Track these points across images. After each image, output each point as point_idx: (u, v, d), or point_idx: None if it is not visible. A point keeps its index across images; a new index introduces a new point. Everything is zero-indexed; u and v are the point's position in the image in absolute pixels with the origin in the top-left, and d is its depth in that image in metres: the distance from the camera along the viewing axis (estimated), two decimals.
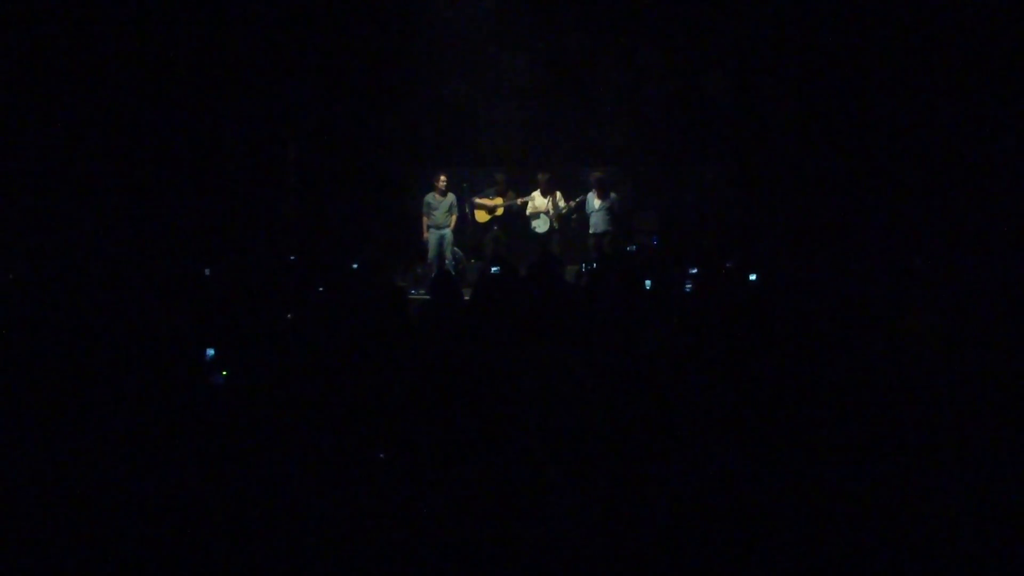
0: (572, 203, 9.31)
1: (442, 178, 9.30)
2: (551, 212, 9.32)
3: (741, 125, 10.22)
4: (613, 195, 9.14)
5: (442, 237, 9.25)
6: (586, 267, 8.32)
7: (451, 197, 9.34)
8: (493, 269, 6.02)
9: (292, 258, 8.84)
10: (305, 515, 2.16)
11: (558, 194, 9.42)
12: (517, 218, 9.71)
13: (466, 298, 4.85)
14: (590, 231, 9.29)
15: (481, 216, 9.60)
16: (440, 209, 9.26)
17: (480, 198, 9.59)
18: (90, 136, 8.34)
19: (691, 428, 2.57)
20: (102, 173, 8.46)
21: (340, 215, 10.62)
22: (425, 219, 9.34)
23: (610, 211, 9.12)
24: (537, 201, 9.40)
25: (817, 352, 3.36)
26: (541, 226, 9.32)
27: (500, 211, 9.50)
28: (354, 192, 10.73)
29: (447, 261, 9.27)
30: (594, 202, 9.20)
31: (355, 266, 7.49)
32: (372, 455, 2.53)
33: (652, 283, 5.15)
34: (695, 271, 6.42)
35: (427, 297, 7.54)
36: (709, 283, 5.32)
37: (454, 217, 9.34)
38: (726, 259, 7.74)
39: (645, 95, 10.47)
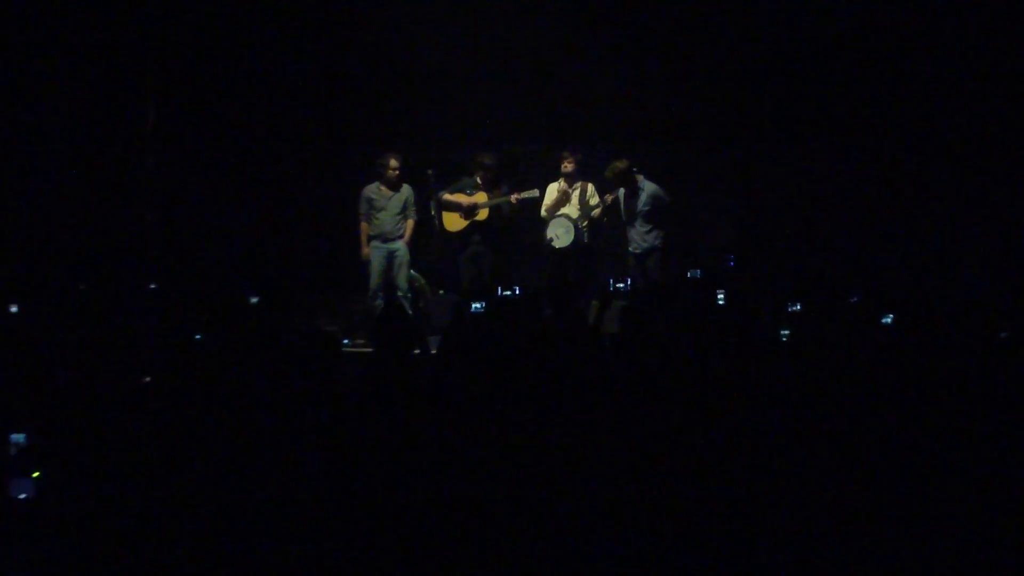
0: (607, 199, 9.37)
1: (392, 162, 9.28)
2: (580, 215, 9.39)
3: (859, 80, 10.27)
4: (651, 190, 9.18)
5: (392, 255, 9.26)
6: (614, 287, 8.34)
7: (406, 192, 9.37)
8: (474, 306, 6.06)
9: (153, 287, 8.83)
10: None
11: (590, 187, 9.46)
12: (513, 225, 9.76)
13: (431, 351, 4.96)
14: (629, 248, 9.36)
15: (454, 222, 9.58)
16: (389, 211, 9.27)
17: (453, 194, 9.60)
18: None
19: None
20: None
21: (229, 219, 10.69)
22: (365, 226, 9.34)
23: (652, 217, 9.20)
24: (557, 196, 9.47)
25: (987, 433, 3.52)
26: (562, 237, 9.34)
27: (484, 214, 9.48)
28: (250, 182, 10.79)
29: (400, 292, 9.27)
30: (626, 202, 9.27)
31: (254, 301, 7.46)
32: None
33: (726, 326, 5.20)
34: (797, 308, 6.48)
35: (368, 350, 7.51)
36: (820, 329, 5.33)
37: (411, 223, 9.38)
38: (846, 291, 7.75)
39: (708, 30, 10.54)
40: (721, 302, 7.23)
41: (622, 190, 9.29)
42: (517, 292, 7.85)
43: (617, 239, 9.70)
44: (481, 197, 9.52)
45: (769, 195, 10.73)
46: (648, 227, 9.21)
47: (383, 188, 9.34)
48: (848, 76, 10.32)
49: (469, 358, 4.54)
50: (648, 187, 9.23)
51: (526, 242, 10.30)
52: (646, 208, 9.18)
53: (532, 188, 9.47)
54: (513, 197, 9.38)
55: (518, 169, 10.61)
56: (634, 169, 9.31)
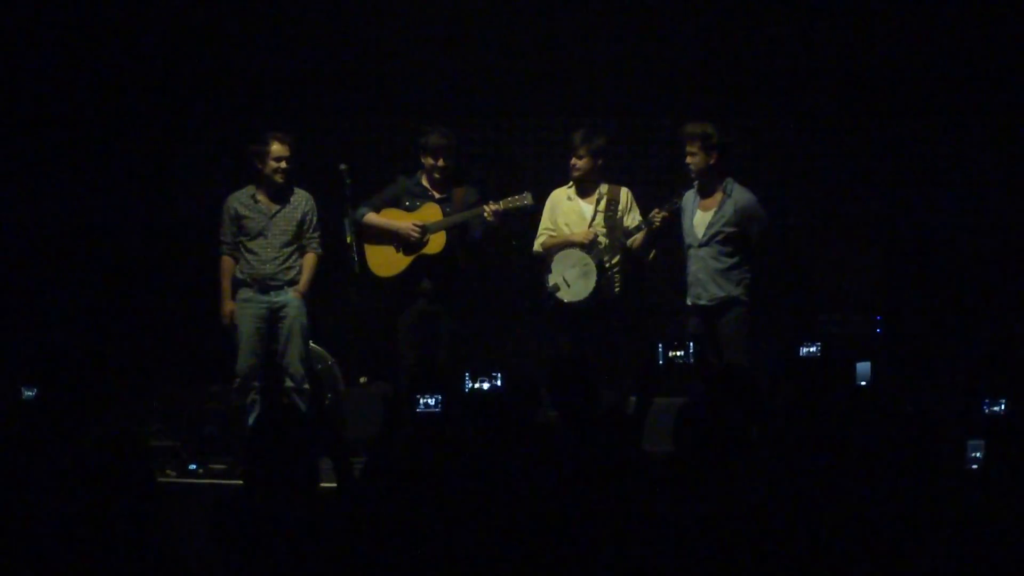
0: (655, 217, 9.35)
1: (275, 147, 9.36)
2: (607, 247, 9.50)
3: None
4: (742, 201, 9.12)
5: (276, 315, 9.39)
6: (667, 359, 8.21)
7: (303, 203, 9.53)
8: (422, 404, 6.02)
9: None
10: None
11: (624, 196, 9.66)
12: (490, 260, 9.63)
13: (347, 483, 4.91)
14: (688, 298, 9.37)
15: (387, 261, 9.57)
16: (271, 237, 9.43)
17: (381, 210, 9.54)
18: None
19: None
20: None
21: None
22: (229, 264, 9.49)
23: (735, 244, 9.23)
24: (565, 214, 9.64)
25: None
26: (576, 284, 9.45)
27: (438, 243, 9.45)
28: (32, 182, 10.87)
29: (290, 382, 9.33)
30: (693, 213, 9.34)
31: (29, 395, 7.44)
32: None
33: (870, 439, 5.24)
34: (999, 409, 6.45)
35: (235, 481, 7.45)
36: None
37: (311, 260, 9.52)
38: None
39: None
40: (863, 382, 7.17)
41: (689, 193, 9.25)
42: (497, 382, 7.79)
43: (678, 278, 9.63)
44: (431, 212, 9.49)
45: (943, 208, 10.83)
46: (727, 261, 9.20)
47: (261, 196, 9.43)
48: None
49: (411, 496, 4.52)
50: (738, 194, 9.21)
51: (513, 293, 10.28)
52: (728, 229, 9.17)
53: (522, 193, 9.43)
54: (488, 208, 9.34)
55: (497, 159, 10.58)
56: (724, 146, 9.21)
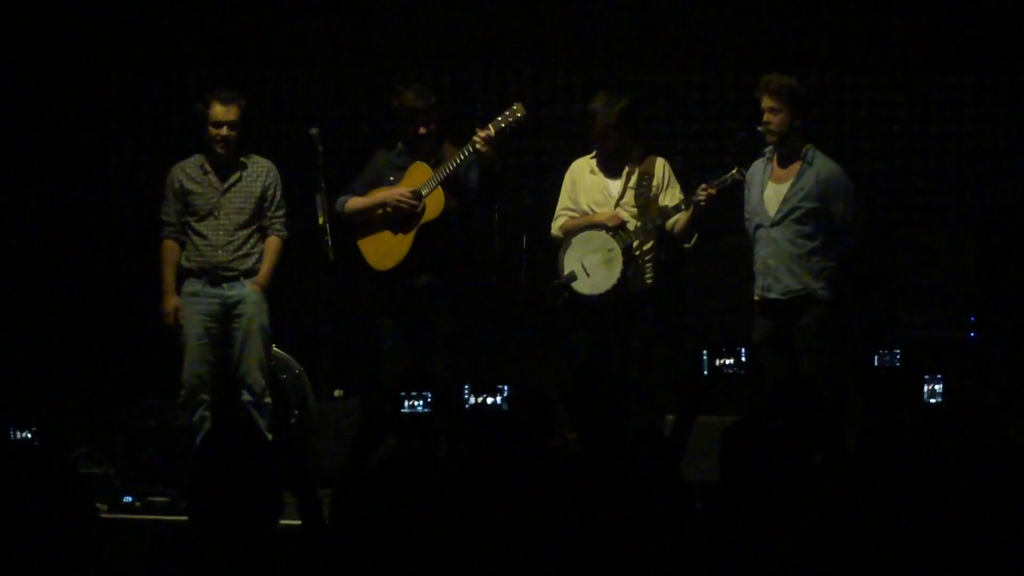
0: (701, 196, 9.24)
1: (216, 109, 9.38)
2: (639, 229, 9.55)
3: None
4: (825, 171, 9.08)
5: (229, 312, 9.45)
6: (713, 366, 8.21)
7: (263, 173, 9.59)
8: (407, 403, 5.99)
9: None
10: None
11: (659, 168, 9.71)
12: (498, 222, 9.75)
13: (314, 518, 4.94)
14: (756, 291, 9.40)
15: (385, 249, 9.52)
16: (223, 217, 9.49)
17: (366, 194, 9.54)
18: None
19: None
20: None
21: None
22: (173, 249, 9.55)
23: (817, 224, 9.23)
24: (588, 191, 9.71)
25: None
26: (598, 274, 9.53)
27: (436, 204, 9.42)
28: None
29: (248, 396, 9.37)
30: (764, 186, 9.38)
31: None
32: None
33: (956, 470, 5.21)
34: None
35: (179, 517, 7.47)
36: None
37: (274, 245, 9.57)
38: None
39: None
40: (935, 399, 7.15)
41: (760, 162, 9.24)
42: (504, 396, 7.81)
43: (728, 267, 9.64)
44: (420, 173, 9.51)
45: None
46: (806, 245, 9.22)
47: (209, 167, 9.48)
48: None
49: (392, 538, 4.49)
50: (820, 162, 9.26)
51: (523, 289, 10.34)
52: (808, 205, 9.19)
53: (511, 106, 9.44)
54: (478, 136, 9.39)
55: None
56: (811, 104, 9.22)
